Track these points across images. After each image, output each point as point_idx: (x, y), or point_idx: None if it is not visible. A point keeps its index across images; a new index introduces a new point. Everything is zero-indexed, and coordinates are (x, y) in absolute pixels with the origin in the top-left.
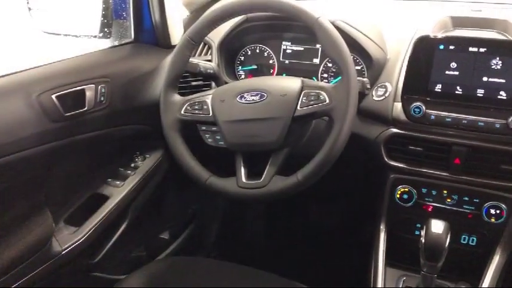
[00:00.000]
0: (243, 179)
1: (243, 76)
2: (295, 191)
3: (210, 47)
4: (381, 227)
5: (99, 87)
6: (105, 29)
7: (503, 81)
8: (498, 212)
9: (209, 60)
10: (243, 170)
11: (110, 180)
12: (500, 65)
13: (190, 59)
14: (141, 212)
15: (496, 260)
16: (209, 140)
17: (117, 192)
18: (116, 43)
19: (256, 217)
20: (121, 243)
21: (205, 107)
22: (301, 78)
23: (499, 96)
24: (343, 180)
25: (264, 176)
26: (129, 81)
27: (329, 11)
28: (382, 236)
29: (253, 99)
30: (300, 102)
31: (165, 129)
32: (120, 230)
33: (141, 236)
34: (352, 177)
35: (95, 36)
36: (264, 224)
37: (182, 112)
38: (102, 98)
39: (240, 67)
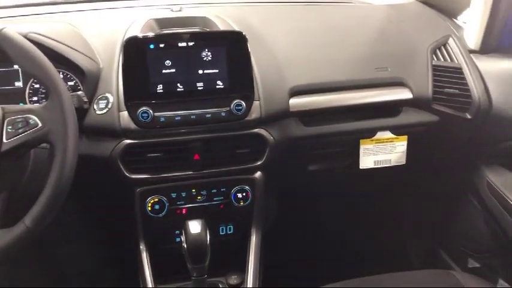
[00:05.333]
0: None
1: None
2: (27, 240)
3: None
4: (141, 246)
5: None
6: None
7: (217, 71)
8: (244, 194)
9: None
10: None
11: None
12: (210, 56)
13: None
14: None
15: (253, 241)
16: None
17: None
18: None
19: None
20: None
21: None
22: (1, 105)
23: (217, 86)
24: (89, 209)
25: None
26: None
27: (18, 24)
28: (144, 256)
29: None
30: (5, 134)
31: None
32: None
33: None
34: (99, 202)
35: None
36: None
37: None
38: None
39: None
